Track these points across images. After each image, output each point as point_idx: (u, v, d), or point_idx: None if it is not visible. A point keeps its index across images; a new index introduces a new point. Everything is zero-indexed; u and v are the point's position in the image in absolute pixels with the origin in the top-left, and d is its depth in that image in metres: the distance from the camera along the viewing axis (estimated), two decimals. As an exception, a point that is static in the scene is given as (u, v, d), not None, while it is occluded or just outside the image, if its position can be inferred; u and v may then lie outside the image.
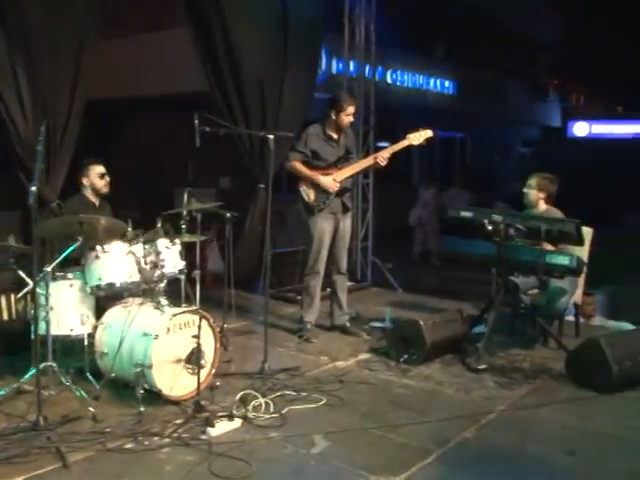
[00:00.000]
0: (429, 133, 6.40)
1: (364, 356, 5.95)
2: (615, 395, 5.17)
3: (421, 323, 5.65)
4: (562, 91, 29.13)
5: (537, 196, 6.37)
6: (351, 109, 6.29)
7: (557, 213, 6.27)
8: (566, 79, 29.51)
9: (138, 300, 5.04)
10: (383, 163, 6.33)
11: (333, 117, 6.29)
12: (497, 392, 5.18)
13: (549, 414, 4.83)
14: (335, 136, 6.36)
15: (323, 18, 8.36)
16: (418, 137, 6.38)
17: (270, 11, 7.76)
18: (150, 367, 4.55)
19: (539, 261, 5.53)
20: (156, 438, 4.17)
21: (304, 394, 4.94)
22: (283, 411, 4.61)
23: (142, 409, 4.45)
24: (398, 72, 17.56)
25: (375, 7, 9.03)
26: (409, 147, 6.44)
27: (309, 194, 6.28)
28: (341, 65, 10.93)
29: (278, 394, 4.89)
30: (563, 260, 5.51)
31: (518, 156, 27.59)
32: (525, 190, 6.44)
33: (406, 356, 5.67)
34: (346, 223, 6.49)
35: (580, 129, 29.52)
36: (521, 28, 24.22)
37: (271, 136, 5.41)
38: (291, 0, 7.79)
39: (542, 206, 6.39)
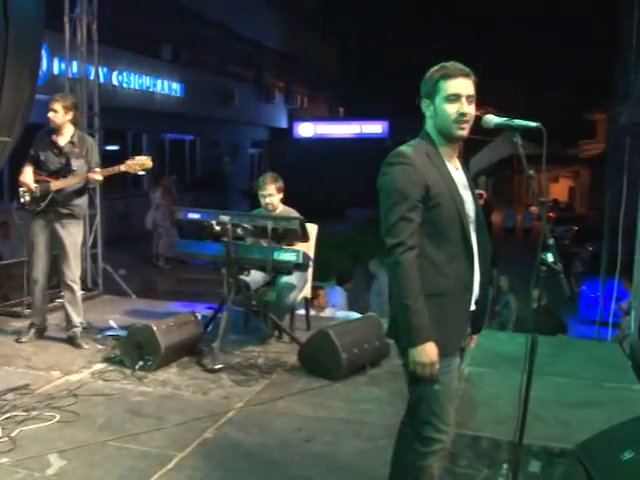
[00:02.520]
0: (149, 164, 6.13)
1: (98, 366, 5.76)
2: (346, 381, 5.49)
3: (154, 328, 5.57)
4: (287, 93, 30.23)
5: (279, 199, 6.51)
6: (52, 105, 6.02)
7: (294, 212, 6.46)
8: (291, 82, 30.70)
9: None
10: (95, 183, 6.28)
11: None
12: (234, 390, 5.26)
13: (285, 406, 5.00)
14: (61, 143, 6.09)
15: (43, 17, 7.95)
16: (135, 167, 6.10)
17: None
18: None
19: (268, 258, 5.70)
20: None
21: (35, 413, 4.68)
22: (13, 434, 4.33)
23: None
24: (124, 73, 17.23)
25: (97, 6, 8.77)
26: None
27: (25, 196, 5.99)
28: (63, 65, 10.51)
29: (6, 416, 4.58)
30: (290, 256, 5.72)
31: (248, 157, 28.23)
32: (263, 193, 6.47)
33: (141, 363, 5.57)
34: (64, 233, 6.14)
35: (305, 130, 30.80)
36: (247, 32, 24.82)
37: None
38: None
39: (280, 207, 6.55)
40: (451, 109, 2.94)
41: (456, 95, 2.94)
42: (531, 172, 2.94)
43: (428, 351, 2.86)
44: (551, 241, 2.86)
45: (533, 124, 2.97)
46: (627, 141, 7.79)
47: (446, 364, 2.95)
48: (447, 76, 2.95)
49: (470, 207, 3.05)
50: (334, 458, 4.21)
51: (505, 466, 4.10)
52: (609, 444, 3.93)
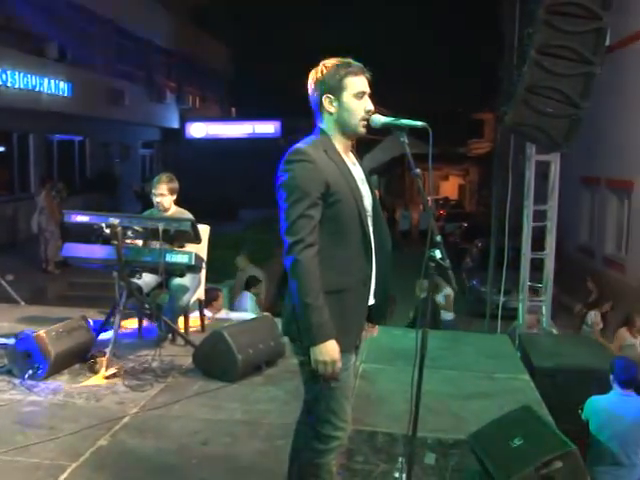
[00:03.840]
0: None
1: (-15, 378, 5.55)
2: (242, 382, 5.48)
3: (43, 335, 5.38)
4: (179, 93, 29.87)
5: (170, 200, 6.43)
6: None
7: (186, 213, 6.37)
8: (183, 82, 30.38)
9: None
10: None
11: None
12: (129, 395, 5.17)
13: (181, 409, 4.95)
14: None
15: None
16: None
17: None
18: None
19: (160, 261, 5.61)
20: None
21: None
22: None
23: None
24: (8, 72, 16.60)
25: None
26: None
27: None
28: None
29: None
30: (182, 258, 5.66)
31: (139, 158, 27.77)
32: (154, 192, 6.37)
33: (31, 371, 5.39)
34: None
35: (197, 130, 30.50)
36: (137, 31, 24.40)
37: None
38: None
39: (173, 208, 6.46)
40: (359, 106, 3.01)
41: (363, 92, 3.02)
42: (417, 171, 3.00)
43: (329, 349, 2.87)
44: (439, 238, 2.93)
45: (419, 123, 3.02)
46: (512, 140, 8.06)
47: (343, 361, 2.97)
48: (353, 73, 3.02)
49: (368, 202, 3.11)
50: (232, 460, 4.21)
51: (401, 459, 4.18)
52: (499, 432, 4.07)
